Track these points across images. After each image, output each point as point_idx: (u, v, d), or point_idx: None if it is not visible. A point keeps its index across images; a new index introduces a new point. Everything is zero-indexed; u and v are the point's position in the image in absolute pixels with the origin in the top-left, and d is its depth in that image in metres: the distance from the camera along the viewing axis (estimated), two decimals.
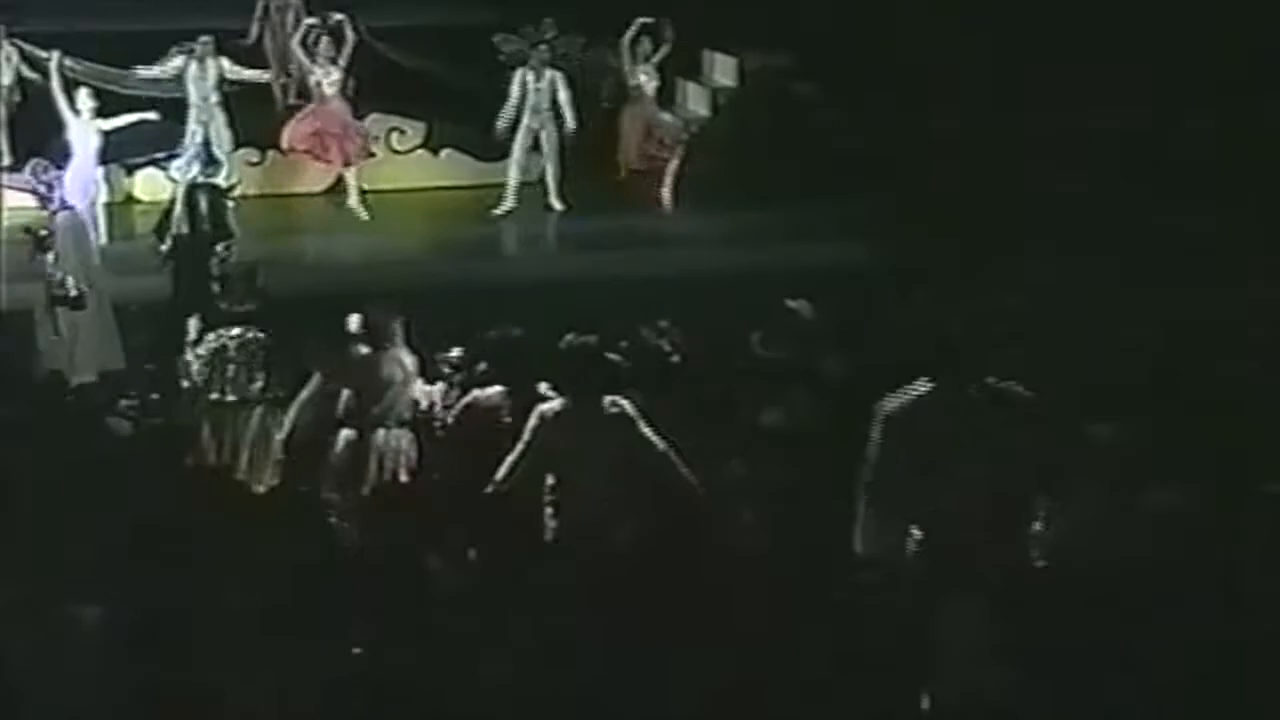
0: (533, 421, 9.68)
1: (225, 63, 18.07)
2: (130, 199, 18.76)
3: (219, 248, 14.88)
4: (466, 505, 9.11)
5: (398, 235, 18.27)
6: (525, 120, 18.31)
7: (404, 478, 10.83)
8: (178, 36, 18.13)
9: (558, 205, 18.49)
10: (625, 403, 9.64)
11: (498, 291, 15.24)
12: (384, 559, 8.03)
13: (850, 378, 11.33)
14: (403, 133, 19.57)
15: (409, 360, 11.32)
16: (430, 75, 19.08)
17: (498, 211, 18.39)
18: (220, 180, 15.93)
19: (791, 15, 19.06)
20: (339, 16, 18.41)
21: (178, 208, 15.34)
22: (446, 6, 19.87)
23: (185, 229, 15.14)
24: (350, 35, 18.29)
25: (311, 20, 18.50)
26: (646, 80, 18.73)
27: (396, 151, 19.56)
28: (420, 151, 19.63)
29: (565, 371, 9.85)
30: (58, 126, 17.13)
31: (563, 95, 18.29)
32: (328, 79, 18.28)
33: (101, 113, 17.22)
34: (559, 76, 18.35)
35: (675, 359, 12.47)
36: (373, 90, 19.01)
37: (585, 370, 9.72)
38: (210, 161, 16.03)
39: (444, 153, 19.53)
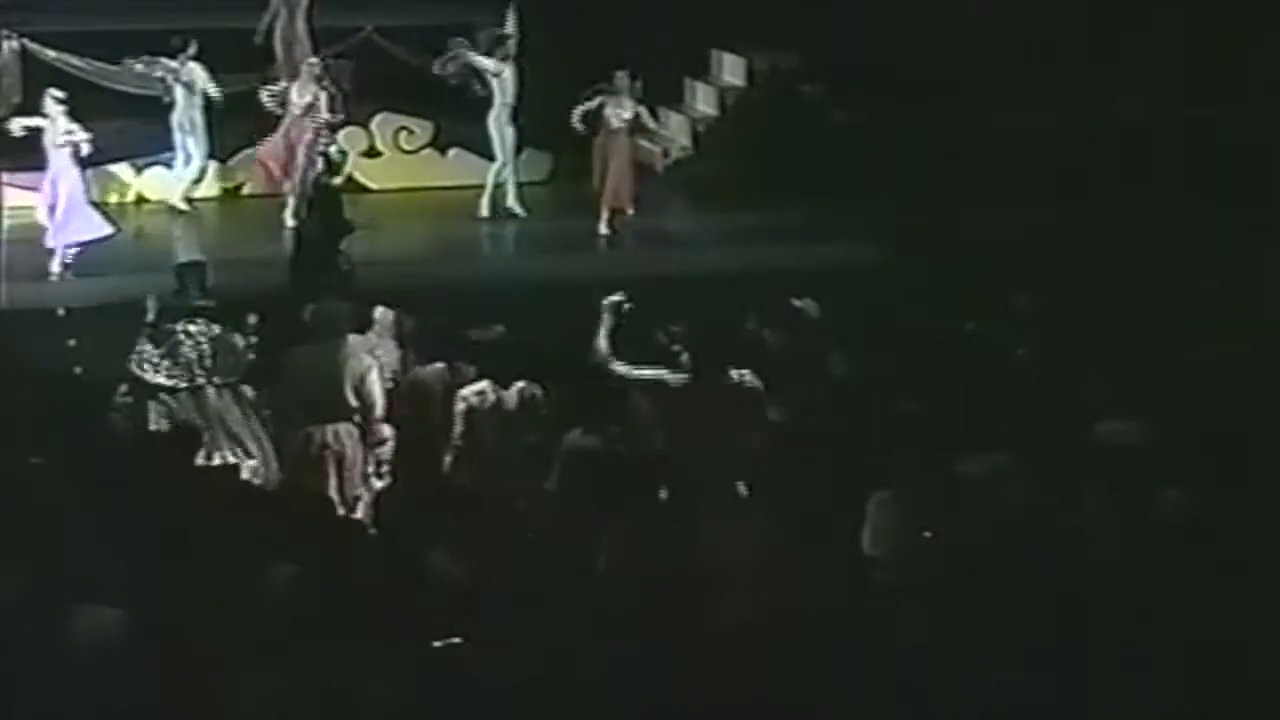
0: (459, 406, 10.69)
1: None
2: (140, 199, 18.73)
3: (343, 244, 15.08)
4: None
5: (403, 234, 18.23)
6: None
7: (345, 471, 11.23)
8: (184, 35, 18.03)
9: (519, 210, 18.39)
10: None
11: (499, 291, 15.25)
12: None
13: (856, 375, 11.34)
14: (411, 132, 19.54)
15: (364, 354, 11.53)
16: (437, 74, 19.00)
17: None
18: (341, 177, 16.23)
19: (800, 16, 19.03)
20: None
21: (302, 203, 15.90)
22: (453, 6, 19.79)
23: (307, 224, 15.67)
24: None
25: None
26: (612, 113, 17.70)
27: (404, 151, 19.52)
28: (428, 150, 19.60)
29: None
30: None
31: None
32: (300, 98, 17.92)
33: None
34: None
35: (684, 359, 12.46)
36: (381, 90, 19.01)
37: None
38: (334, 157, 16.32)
39: (451, 152, 19.49)
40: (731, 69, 20.33)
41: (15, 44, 17.97)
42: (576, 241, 17.80)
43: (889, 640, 7.41)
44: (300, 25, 18.58)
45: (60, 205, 16.12)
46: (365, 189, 19.18)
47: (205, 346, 12.29)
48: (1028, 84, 17.70)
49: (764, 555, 8.58)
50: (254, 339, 12.39)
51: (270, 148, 18.09)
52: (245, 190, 18.93)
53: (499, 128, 18.16)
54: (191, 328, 12.36)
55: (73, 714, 7.05)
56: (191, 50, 17.82)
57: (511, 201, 18.38)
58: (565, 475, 10.09)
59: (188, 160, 18.20)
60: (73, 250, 16.16)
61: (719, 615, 7.23)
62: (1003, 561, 8.12)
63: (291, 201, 17.96)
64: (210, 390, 12.24)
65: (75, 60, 18.01)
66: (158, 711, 6.95)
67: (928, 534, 8.84)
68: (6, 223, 16.84)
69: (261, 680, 6.85)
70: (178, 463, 9.61)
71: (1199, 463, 9.04)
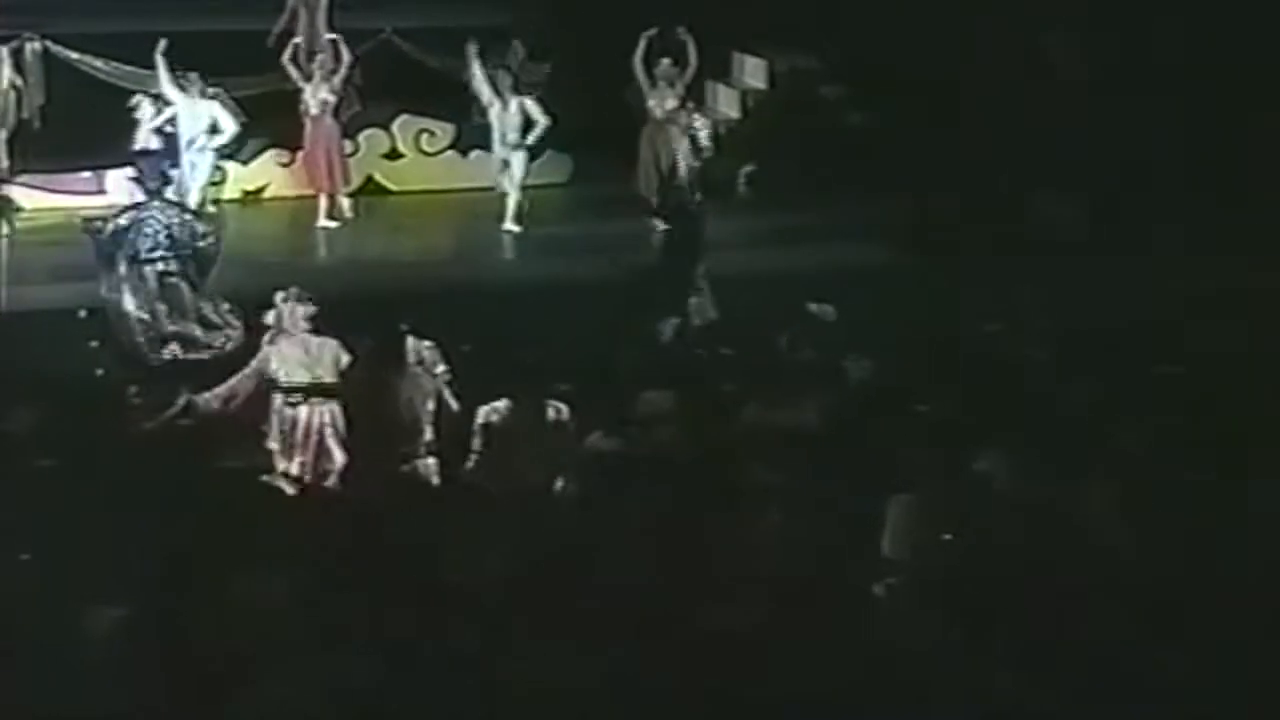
0: None
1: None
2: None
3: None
4: None
5: (423, 235, 18.25)
6: (496, 150, 18.07)
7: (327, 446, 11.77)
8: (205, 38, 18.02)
9: (513, 227, 18.03)
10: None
11: (515, 292, 15.25)
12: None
13: (871, 379, 11.31)
14: (432, 134, 19.55)
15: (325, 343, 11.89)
16: (459, 77, 19.01)
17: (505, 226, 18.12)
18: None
19: (822, 18, 19.01)
20: (331, 36, 18.25)
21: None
22: (473, 8, 19.79)
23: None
24: (345, 55, 18.08)
25: (297, 39, 18.23)
26: (656, 104, 17.86)
27: (425, 153, 19.54)
28: (449, 153, 19.60)
29: None
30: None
31: (534, 113, 17.84)
32: (315, 97, 17.89)
33: None
34: (527, 101, 17.92)
35: (704, 358, 12.50)
36: (402, 92, 19.01)
37: None
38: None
39: (473, 154, 19.46)
40: (752, 71, 20.32)
41: (38, 45, 17.99)
42: (592, 245, 17.78)
43: (905, 641, 7.39)
44: (319, 26, 18.56)
45: None
46: (386, 191, 19.21)
47: (168, 224, 13.61)
48: (1049, 86, 17.67)
49: (782, 557, 8.58)
50: (214, 237, 13.69)
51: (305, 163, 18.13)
52: (268, 194, 18.93)
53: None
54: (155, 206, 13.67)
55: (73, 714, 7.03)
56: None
57: (509, 219, 18.08)
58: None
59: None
60: None
61: (730, 616, 7.22)
62: (1022, 562, 8.10)
63: (324, 204, 17.98)
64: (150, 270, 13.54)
65: (97, 62, 18.04)
66: (157, 711, 6.92)
67: (947, 536, 8.81)
68: (29, 225, 16.94)
69: (265, 679, 6.85)
70: (192, 464, 9.64)
71: (1204, 461, 9.02)
